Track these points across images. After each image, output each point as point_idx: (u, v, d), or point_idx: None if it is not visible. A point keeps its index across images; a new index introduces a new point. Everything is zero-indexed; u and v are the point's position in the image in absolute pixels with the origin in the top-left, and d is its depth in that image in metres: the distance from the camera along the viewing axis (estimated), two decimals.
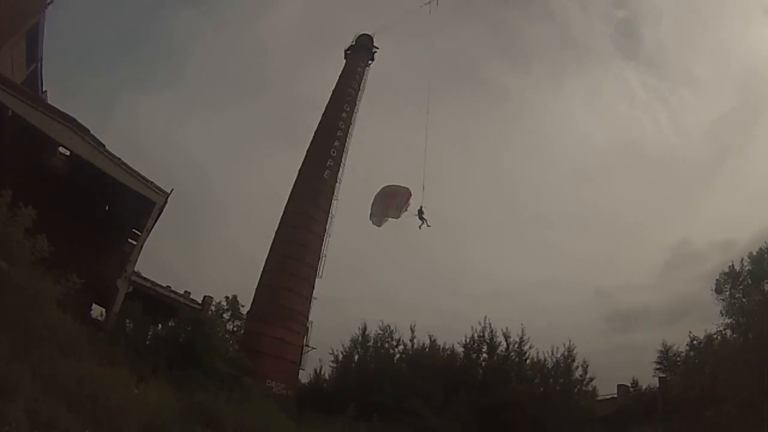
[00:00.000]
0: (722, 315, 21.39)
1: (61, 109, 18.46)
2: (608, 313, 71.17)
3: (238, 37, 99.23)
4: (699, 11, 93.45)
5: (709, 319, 22.59)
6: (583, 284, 72.32)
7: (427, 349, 28.90)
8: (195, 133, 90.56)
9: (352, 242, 66.30)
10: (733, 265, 22.96)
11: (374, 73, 41.77)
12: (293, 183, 34.86)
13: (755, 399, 17.56)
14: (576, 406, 24.97)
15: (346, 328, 31.43)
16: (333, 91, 39.21)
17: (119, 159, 19.87)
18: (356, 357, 29.68)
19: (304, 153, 36.35)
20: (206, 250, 71.40)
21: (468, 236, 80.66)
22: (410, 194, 25.90)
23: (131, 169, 20.36)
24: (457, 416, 23.20)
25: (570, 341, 26.84)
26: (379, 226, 26.87)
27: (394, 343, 29.64)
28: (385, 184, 27.41)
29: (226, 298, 25.69)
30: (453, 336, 29.08)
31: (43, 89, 24.97)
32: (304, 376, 30.95)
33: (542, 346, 27.29)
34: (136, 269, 21.83)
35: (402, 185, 26.77)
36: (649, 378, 27.02)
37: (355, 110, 38.55)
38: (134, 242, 23.70)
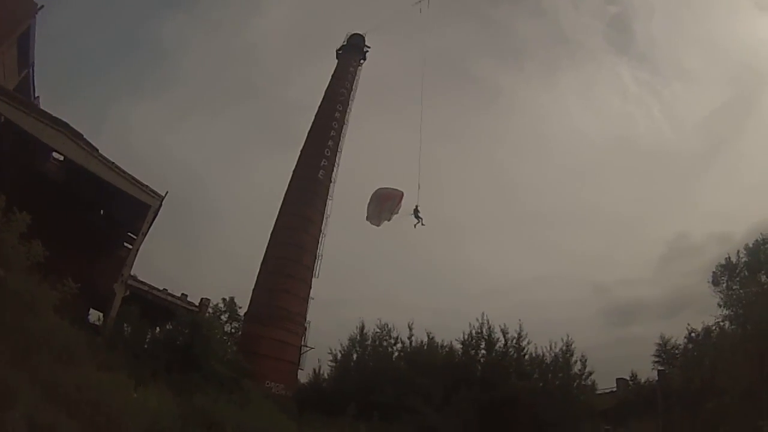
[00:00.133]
0: (720, 307, 21.51)
1: (54, 115, 18.35)
2: (607, 307, 71.39)
3: (229, 40, 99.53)
4: (690, 5, 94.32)
5: (707, 311, 22.80)
6: (580, 279, 72.72)
7: (425, 347, 28.91)
8: (188, 137, 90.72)
9: (349, 242, 66.49)
10: (729, 258, 23.23)
11: (367, 72, 41.93)
12: (287, 184, 34.86)
13: (755, 389, 17.67)
14: (575, 401, 25.02)
15: (345, 328, 31.56)
16: (325, 92, 39.23)
17: (113, 163, 19.74)
18: (355, 356, 29.63)
19: (298, 154, 36.35)
20: (202, 253, 71.46)
21: (465, 234, 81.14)
22: (402, 196, 25.96)
23: (125, 172, 20.22)
24: (457, 413, 23.20)
25: (568, 336, 27.01)
26: (377, 225, 26.90)
27: (393, 341, 29.66)
28: (379, 186, 27.42)
29: (224, 300, 25.67)
30: (452, 334, 29.17)
31: (36, 95, 24.82)
32: (303, 377, 31.08)
33: (541, 341, 27.43)
34: (132, 273, 21.67)
35: (394, 188, 26.79)
36: (648, 371, 27.37)
37: (348, 110, 38.64)
38: (130, 246, 23.61)
